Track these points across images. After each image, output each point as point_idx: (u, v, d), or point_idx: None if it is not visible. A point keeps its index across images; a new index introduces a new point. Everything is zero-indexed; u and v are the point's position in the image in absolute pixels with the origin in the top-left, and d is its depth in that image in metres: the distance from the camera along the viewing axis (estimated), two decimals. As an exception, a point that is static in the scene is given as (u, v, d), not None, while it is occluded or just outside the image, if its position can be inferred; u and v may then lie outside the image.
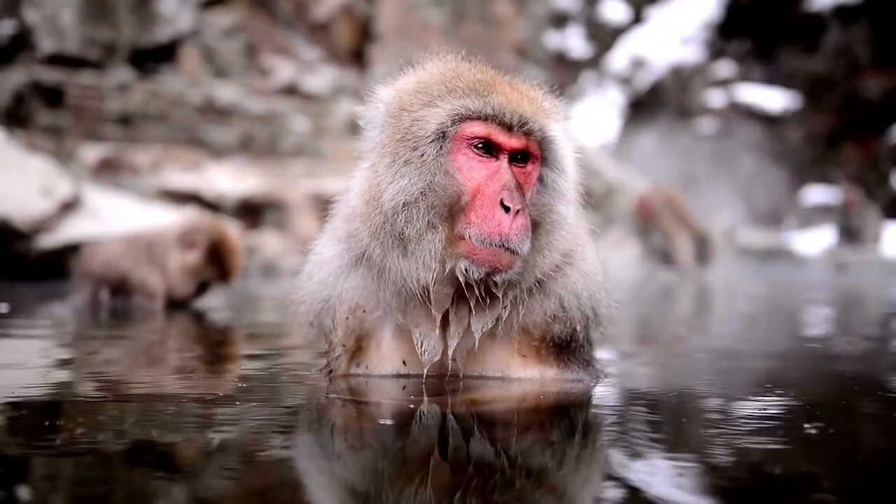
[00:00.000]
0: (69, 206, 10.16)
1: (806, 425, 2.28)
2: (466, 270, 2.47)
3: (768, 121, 33.46)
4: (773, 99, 33.61)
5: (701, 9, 37.66)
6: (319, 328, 2.85)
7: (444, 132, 2.50)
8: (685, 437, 2.21)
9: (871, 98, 30.82)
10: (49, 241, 9.69)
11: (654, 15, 40.63)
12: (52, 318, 5.95)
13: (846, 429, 2.26)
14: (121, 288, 6.32)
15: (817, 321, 6.63)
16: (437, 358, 2.62)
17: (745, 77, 34.61)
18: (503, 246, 2.42)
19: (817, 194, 30.01)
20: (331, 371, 2.84)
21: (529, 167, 2.58)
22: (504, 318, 2.61)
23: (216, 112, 16.03)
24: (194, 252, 6.33)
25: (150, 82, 15.76)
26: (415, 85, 2.63)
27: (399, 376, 2.72)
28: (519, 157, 2.56)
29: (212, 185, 14.48)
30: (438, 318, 2.58)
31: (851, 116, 31.18)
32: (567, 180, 2.64)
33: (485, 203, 2.45)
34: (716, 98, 34.51)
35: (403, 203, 2.46)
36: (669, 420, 2.45)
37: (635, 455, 1.95)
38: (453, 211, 2.48)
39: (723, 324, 6.34)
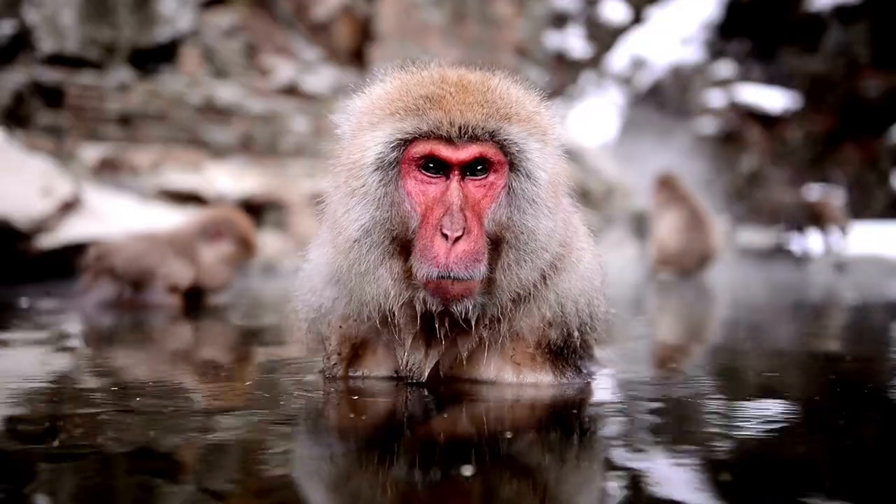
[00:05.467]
0: (69, 206, 10.16)
1: (807, 424, 2.29)
2: (425, 302, 2.36)
3: (768, 121, 33.48)
4: (773, 99, 33.63)
5: (701, 9, 37.68)
6: (316, 335, 2.80)
7: (384, 160, 2.36)
8: (686, 438, 2.21)
9: (870, 98, 30.84)
10: (49, 241, 9.69)
11: (654, 15, 40.64)
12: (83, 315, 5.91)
13: (846, 427, 2.27)
14: (143, 283, 6.44)
15: (818, 320, 6.64)
16: (426, 373, 2.55)
17: (745, 77, 34.64)
18: (447, 277, 2.26)
19: (817, 194, 29.99)
20: (327, 377, 2.80)
21: (491, 178, 2.37)
22: (486, 337, 2.50)
23: (216, 112, 16.04)
24: (224, 241, 6.67)
25: (150, 82, 15.76)
26: (369, 103, 2.51)
27: (393, 379, 2.68)
28: (479, 169, 2.38)
29: (212, 185, 14.49)
30: (409, 339, 2.50)
31: (851, 116, 31.21)
32: (537, 185, 2.38)
33: (426, 233, 2.31)
34: (716, 98, 34.52)
35: (355, 239, 2.37)
36: (672, 420, 2.45)
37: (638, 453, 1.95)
38: (404, 243, 2.36)
39: (723, 323, 6.35)
